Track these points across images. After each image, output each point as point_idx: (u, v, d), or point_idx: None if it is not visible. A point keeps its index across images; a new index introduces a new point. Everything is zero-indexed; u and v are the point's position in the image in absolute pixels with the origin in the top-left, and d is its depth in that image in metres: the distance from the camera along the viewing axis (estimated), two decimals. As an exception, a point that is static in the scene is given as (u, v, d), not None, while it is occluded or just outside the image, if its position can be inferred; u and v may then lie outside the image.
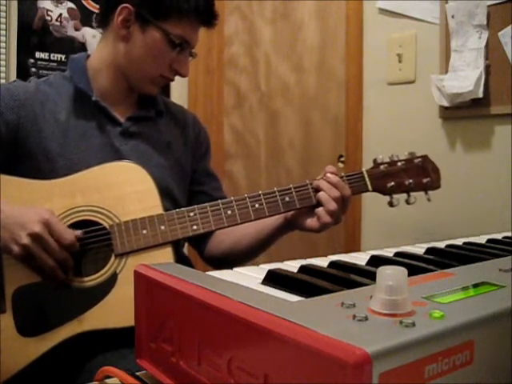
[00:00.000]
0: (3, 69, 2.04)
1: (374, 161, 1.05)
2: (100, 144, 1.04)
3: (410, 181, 1.03)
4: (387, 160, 1.04)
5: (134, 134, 1.08)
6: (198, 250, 1.20)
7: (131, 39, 1.03)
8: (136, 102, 1.14)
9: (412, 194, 1.04)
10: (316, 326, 0.30)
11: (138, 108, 1.13)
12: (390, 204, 1.04)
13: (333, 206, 0.98)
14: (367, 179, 1.03)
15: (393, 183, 1.02)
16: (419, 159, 1.04)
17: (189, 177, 1.17)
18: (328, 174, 1.01)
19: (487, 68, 1.59)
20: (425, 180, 1.03)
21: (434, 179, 1.04)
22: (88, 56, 1.11)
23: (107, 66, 1.07)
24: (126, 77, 1.07)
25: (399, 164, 1.03)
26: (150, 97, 1.14)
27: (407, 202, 1.04)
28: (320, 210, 0.99)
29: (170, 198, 1.05)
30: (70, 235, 0.89)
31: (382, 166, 1.04)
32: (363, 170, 1.04)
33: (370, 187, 1.03)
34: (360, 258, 0.57)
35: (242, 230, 1.11)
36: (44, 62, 2.12)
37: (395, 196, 1.04)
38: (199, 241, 1.18)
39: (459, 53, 1.64)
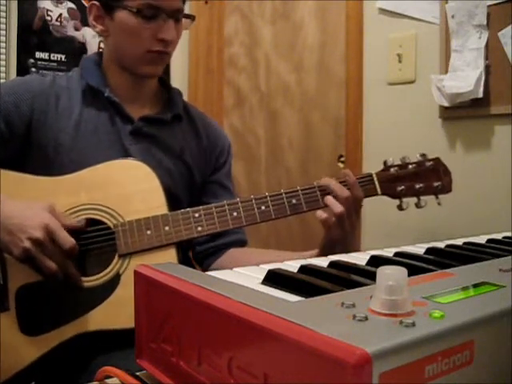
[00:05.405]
0: (3, 69, 2.04)
1: (385, 163, 1.02)
2: (109, 141, 1.04)
3: (421, 185, 1.00)
4: (398, 162, 1.01)
5: (145, 135, 1.07)
6: (202, 265, 1.16)
7: (109, 31, 1.05)
8: (153, 103, 1.13)
9: (422, 197, 1.01)
10: (316, 326, 0.30)
11: (154, 109, 1.12)
12: (400, 208, 1.01)
13: (339, 208, 0.94)
14: (376, 182, 1.00)
15: (403, 187, 1.00)
16: (431, 162, 1.01)
17: (197, 186, 1.14)
18: (346, 171, 0.98)
19: (487, 68, 1.59)
20: (436, 184, 1.00)
21: (445, 183, 1.01)
22: (102, 54, 1.12)
23: (110, 63, 1.09)
24: (123, 67, 1.07)
25: (410, 167, 1.01)
26: (170, 99, 1.13)
27: (417, 205, 1.01)
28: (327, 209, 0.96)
29: (176, 204, 1.04)
30: (71, 241, 0.89)
31: (392, 169, 1.01)
32: (372, 172, 1.01)
33: (379, 191, 1.00)
34: (360, 258, 0.57)
35: (268, 257, 1.08)
36: (44, 62, 2.12)
37: (405, 199, 1.01)
38: (206, 255, 1.14)
39: (459, 53, 1.64)
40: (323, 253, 0.99)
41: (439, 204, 1.01)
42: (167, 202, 0.96)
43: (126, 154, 1.03)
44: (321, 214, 0.96)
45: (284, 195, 0.97)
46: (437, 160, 1.02)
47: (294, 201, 0.97)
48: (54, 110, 1.02)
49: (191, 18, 1.08)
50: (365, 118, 1.94)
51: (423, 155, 1.03)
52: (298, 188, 0.98)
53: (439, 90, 1.66)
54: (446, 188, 1.02)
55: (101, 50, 1.13)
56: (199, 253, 1.14)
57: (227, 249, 1.13)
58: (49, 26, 2.13)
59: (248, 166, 2.43)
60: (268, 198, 0.97)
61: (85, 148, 1.01)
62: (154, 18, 1.01)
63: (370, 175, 1.01)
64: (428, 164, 1.01)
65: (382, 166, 1.04)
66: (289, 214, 0.98)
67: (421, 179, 1.01)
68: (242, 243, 1.16)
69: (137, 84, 1.09)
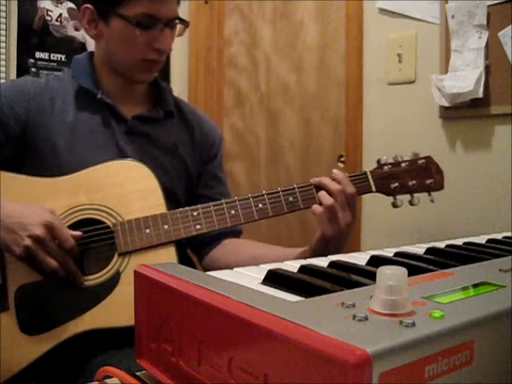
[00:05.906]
0: (3, 69, 2.04)
1: (378, 161, 1.04)
2: (105, 142, 1.04)
3: (414, 182, 1.02)
4: (391, 161, 1.04)
5: (139, 133, 1.08)
6: (199, 255, 1.18)
7: (102, 36, 1.04)
8: (144, 101, 1.13)
9: (415, 195, 1.04)
10: (316, 326, 0.30)
11: (146, 107, 1.13)
12: (394, 205, 1.04)
13: (329, 200, 0.96)
14: (371, 180, 1.02)
15: (396, 184, 1.02)
16: (423, 160, 1.03)
17: (194, 180, 1.16)
18: (334, 170, 1.00)
19: (487, 68, 1.59)
20: (428, 181, 1.03)
21: (437, 180, 1.03)
22: (93, 54, 1.12)
23: (102, 64, 1.09)
24: (116, 71, 1.07)
25: (403, 165, 1.03)
26: (160, 96, 1.14)
27: (411, 203, 1.04)
28: (318, 206, 0.97)
29: (173, 201, 1.05)
30: (72, 239, 0.89)
31: (385, 167, 1.03)
32: (367, 170, 1.03)
33: (373, 188, 1.02)
34: (360, 258, 0.57)
35: (261, 250, 1.09)
36: (44, 62, 2.12)
37: (398, 197, 1.04)
38: (202, 246, 1.16)
39: (459, 53, 1.64)
40: (315, 250, 1.00)
41: (432, 201, 1.04)
42: (165, 201, 0.97)
43: (121, 154, 1.04)
44: (316, 208, 0.98)
45: (281, 193, 0.99)
46: (428, 158, 1.05)
47: (290, 198, 0.99)
48: (49, 112, 1.02)
49: (185, 24, 1.08)
50: (365, 118, 1.94)
51: (415, 154, 1.05)
52: (295, 185, 1.00)
53: (439, 89, 1.66)
54: (438, 185, 1.04)
55: (92, 50, 1.13)
56: (195, 243, 1.16)
57: (222, 239, 1.15)
58: (49, 26, 2.13)
59: (248, 166, 2.43)
60: (265, 195, 0.98)
61: (81, 149, 1.01)
62: (151, 27, 1.00)
63: (365, 173, 1.03)
64: (420, 162, 1.04)
65: (379, 166, 1.06)
66: (286, 211, 0.99)
67: (413, 177, 1.03)
68: (236, 234, 1.18)
69: (128, 85, 1.10)
